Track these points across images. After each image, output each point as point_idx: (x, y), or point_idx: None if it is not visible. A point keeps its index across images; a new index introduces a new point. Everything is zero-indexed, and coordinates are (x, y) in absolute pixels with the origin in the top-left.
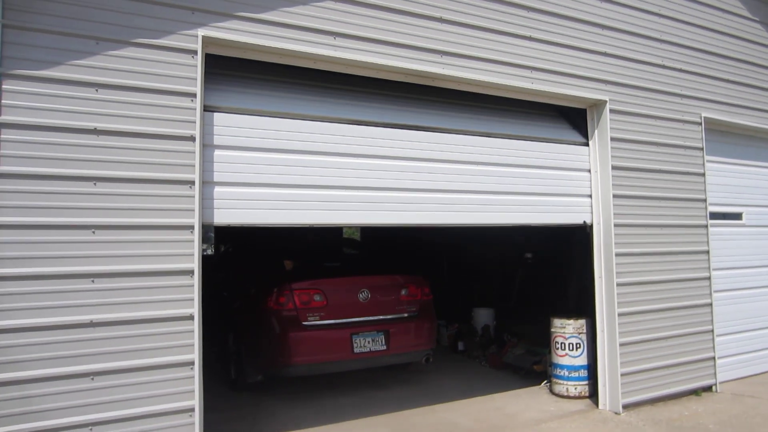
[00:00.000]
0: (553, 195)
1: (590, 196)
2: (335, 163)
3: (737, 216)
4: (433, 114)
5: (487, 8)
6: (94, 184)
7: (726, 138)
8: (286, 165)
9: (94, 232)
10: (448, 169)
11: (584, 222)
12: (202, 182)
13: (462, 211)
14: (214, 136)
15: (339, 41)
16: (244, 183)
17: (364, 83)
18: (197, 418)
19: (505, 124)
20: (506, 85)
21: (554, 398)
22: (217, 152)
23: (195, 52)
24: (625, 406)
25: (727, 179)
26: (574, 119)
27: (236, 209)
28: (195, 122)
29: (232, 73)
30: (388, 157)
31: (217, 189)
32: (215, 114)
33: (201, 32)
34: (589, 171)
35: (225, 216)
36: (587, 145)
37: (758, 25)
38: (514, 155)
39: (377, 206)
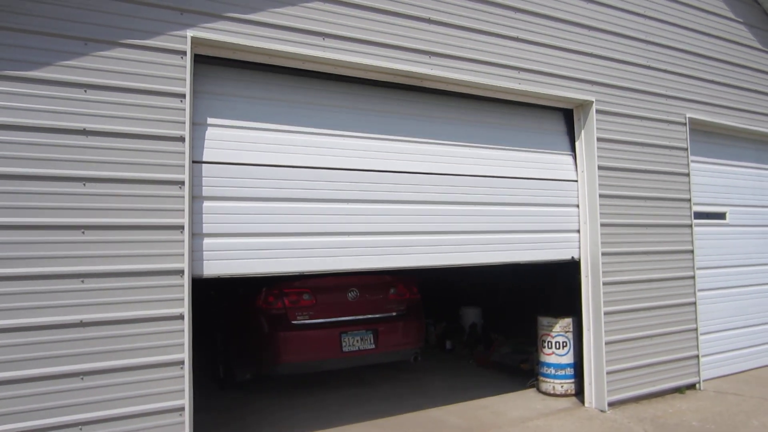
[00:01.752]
0: (544, 232)
1: (578, 230)
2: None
3: (721, 215)
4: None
5: (474, 9)
6: (84, 184)
7: (710, 138)
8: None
9: (83, 233)
10: (440, 211)
11: (572, 257)
12: (192, 189)
13: (454, 252)
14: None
15: (328, 42)
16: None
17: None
18: (187, 417)
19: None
20: (493, 86)
21: (541, 396)
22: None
23: (184, 53)
24: (611, 404)
25: (711, 179)
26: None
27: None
28: (185, 123)
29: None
30: (371, 201)
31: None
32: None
33: (190, 33)
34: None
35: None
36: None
37: (741, 26)
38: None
39: (362, 250)
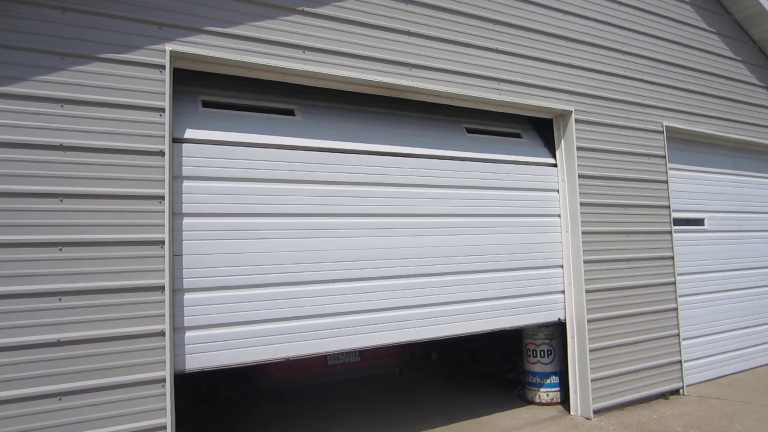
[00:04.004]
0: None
1: (563, 291)
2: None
3: (700, 222)
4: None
5: (454, 21)
6: (61, 200)
7: (687, 146)
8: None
9: (61, 249)
10: (428, 283)
11: (558, 319)
12: (172, 197)
13: (442, 324)
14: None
15: (308, 55)
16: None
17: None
18: None
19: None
20: (474, 97)
21: (527, 405)
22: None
23: (163, 67)
24: (596, 412)
25: (690, 186)
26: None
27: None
28: (164, 137)
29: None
30: (356, 279)
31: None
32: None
33: (168, 47)
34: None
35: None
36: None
37: (715, 36)
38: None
39: (351, 330)
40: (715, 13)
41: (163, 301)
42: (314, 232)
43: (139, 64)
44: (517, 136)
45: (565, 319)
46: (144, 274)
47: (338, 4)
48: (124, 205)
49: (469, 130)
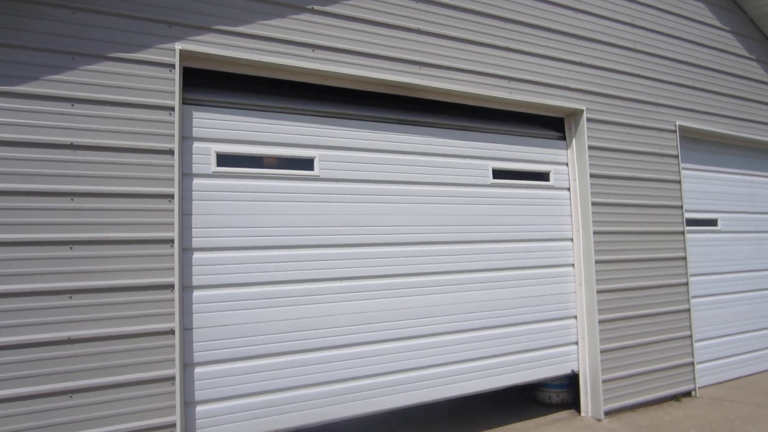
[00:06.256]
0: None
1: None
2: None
3: (713, 222)
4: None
5: (464, 20)
6: (71, 199)
7: (700, 145)
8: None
9: (71, 248)
10: (437, 343)
11: (572, 370)
12: (182, 192)
13: (454, 383)
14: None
15: (317, 53)
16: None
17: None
18: None
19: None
20: (484, 96)
21: (537, 406)
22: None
23: (173, 66)
24: (607, 413)
25: (702, 186)
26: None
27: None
28: (174, 136)
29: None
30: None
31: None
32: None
33: (178, 46)
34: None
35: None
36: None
37: (729, 35)
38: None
39: (365, 394)
40: (729, 11)
41: (172, 299)
42: (321, 297)
43: (149, 63)
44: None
45: (578, 369)
46: (153, 273)
47: (348, 2)
48: (134, 203)
49: (496, 173)
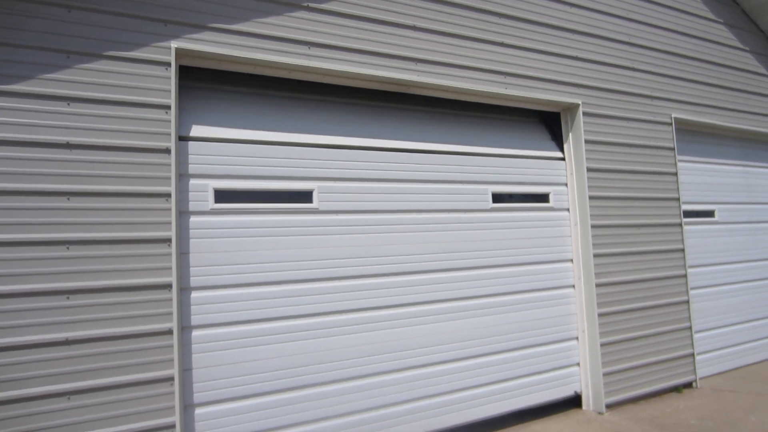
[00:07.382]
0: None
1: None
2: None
3: (710, 213)
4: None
5: (459, 15)
6: (68, 198)
7: (696, 137)
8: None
9: (68, 248)
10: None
11: (575, 392)
12: (178, 193)
13: (459, 410)
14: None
15: (313, 50)
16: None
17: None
18: None
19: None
20: (480, 91)
21: None
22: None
23: (168, 64)
24: (609, 406)
25: (699, 178)
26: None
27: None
28: (170, 134)
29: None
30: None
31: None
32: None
33: (174, 44)
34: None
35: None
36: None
37: (723, 27)
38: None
39: (368, 427)
40: (722, 2)
41: (170, 299)
42: (321, 332)
43: (144, 62)
44: (544, 199)
45: (581, 391)
46: (151, 272)
47: None
48: (131, 203)
49: (495, 197)
